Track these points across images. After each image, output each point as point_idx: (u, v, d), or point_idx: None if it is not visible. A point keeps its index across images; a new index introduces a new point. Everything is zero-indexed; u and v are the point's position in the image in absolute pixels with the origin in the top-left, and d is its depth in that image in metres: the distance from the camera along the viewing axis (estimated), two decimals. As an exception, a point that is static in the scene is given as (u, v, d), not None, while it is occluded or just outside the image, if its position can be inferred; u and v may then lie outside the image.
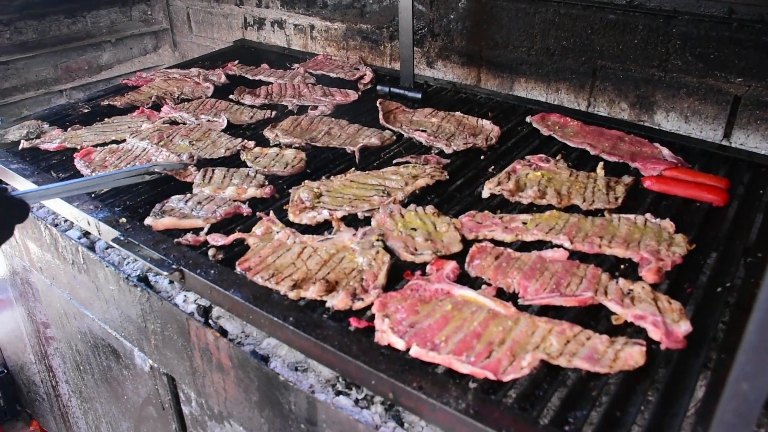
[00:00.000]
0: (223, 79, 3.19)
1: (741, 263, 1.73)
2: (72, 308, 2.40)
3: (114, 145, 2.44)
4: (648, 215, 1.85)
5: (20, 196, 1.74)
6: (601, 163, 2.14)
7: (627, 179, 2.06)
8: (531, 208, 1.96)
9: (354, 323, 1.49)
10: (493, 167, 2.22)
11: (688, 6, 2.30)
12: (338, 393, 1.48)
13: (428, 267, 1.66)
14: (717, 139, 2.41)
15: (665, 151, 2.24)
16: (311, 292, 1.56)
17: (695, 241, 1.75)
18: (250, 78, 3.21)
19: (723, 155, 2.27)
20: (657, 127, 2.52)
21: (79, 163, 2.34)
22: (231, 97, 2.94)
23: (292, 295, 1.57)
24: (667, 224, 1.80)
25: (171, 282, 1.88)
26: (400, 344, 1.40)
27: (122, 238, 1.87)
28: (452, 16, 2.92)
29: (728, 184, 2.04)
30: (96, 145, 2.48)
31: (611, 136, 2.36)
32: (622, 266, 1.69)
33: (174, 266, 1.72)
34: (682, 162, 2.18)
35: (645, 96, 2.50)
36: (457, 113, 2.59)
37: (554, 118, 2.51)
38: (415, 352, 1.37)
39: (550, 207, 1.94)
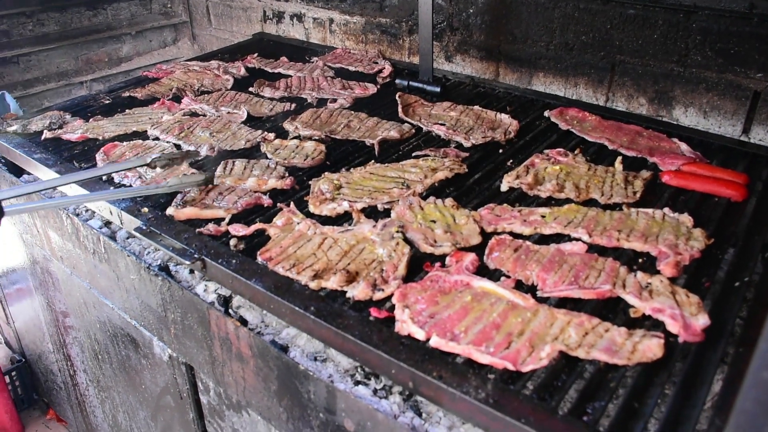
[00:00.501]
0: (243, 71, 3.21)
1: (759, 258, 1.73)
2: (92, 297, 2.43)
3: (138, 141, 2.47)
4: (666, 209, 1.85)
5: None
6: (619, 158, 2.14)
7: (645, 174, 2.07)
8: (549, 202, 1.98)
9: (374, 313, 1.51)
10: (511, 161, 2.23)
11: (708, 1, 2.30)
12: (357, 383, 1.50)
13: (447, 259, 1.68)
14: (736, 134, 2.40)
15: (683, 146, 2.24)
16: (332, 282, 1.58)
17: (713, 235, 1.76)
18: (270, 71, 3.24)
19: (742, 151, 2.27)
20: (675, 123, 2.52)
21: (99, 155, 2.37)
22: (251, 89, 2.96)
23: (313, 285, 1.59)
24: (686, 219, 1.80)
25: (191, 272, 1.90)
26: (420, 334, 1.42)
27: (144, 228, 1.90)
28: (471, 11, 2.93)
29: (747, 179, 2.04)
30: (117, 136, 2.52)
31: (629, 131, 2.37)
32: (640, 260, 1.70)
33: (196, 255, 1.75)
34: (701, 157, 2.18)
35: (664, 91, 2.50)
36: (476, 107, 2.60)
37: (572, 112, 2.52)
38: (435, 342, 1.39)
39: (568, 201, 1.95)
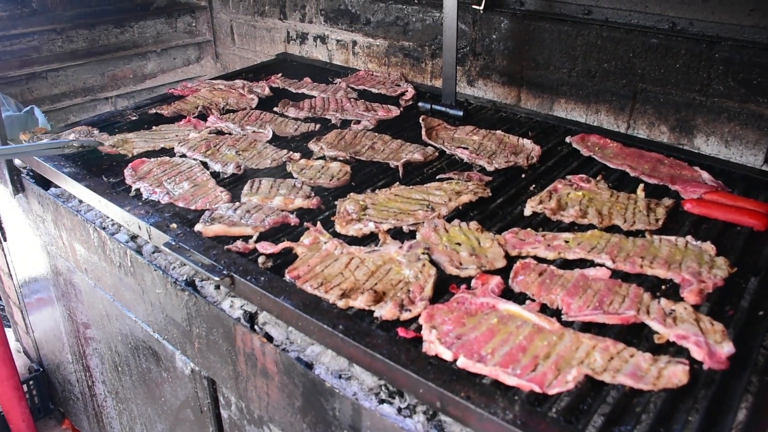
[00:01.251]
0: (267, 91, 3.27)
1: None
2: (115, 310, 2.47)
3: (165, 158, 2.51)
4: (689, 237, 1.87)
5: None
6: (641, 185, 2.17)
7: (667, 201, 2.09)
8: (572, 227, 2.00)
9: (402, 333, 1.53)
10: (534, 186, 2.26)
11: (731, 32, 2.33)
12: (381, 401, 1.52)
13: (473, 281, 1.70)
14: (757, 164, 2.42)
15: (705, 175, 2.26)
16: (360, 302, 1.61)
17: (736, 264, 1.77)
18: (293, 91, 3.29)
19: (764, 180, 2.28)
20: (697, 151, 2.54)
21: (127, 171, 2.42)
22: (275, 109, 3.01)
23: (341, 303, 1.62)
24: (708, 247, 1.82)
25: (217, 287, 1.93)
26: (447, 355, 1.44)
27: (173, 243, 1.93)
28: (494, 36, 2.97)
29: (769, 209, 2.06)
30: (145, 152, 2.57)
31: (651, 159, 2.39)
32: (663, 287, 1.72)
33: (225, 272, 1.78)
34: (722, 186, 2.20)
35: (685, 120, 2.53)
36: (498, 132, 2.63)
37: (594, 139, 2.55)
38: (463, 363, 1.41)
39: (591, 227, 1.98)
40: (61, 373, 3.49)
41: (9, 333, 3.48)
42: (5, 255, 3.44)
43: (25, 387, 3.56)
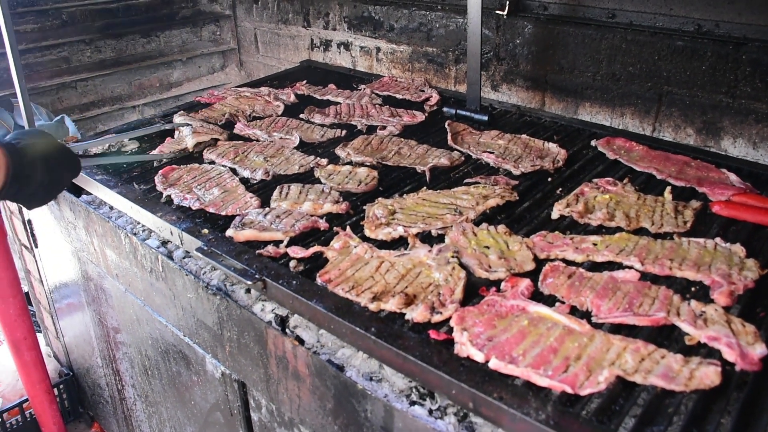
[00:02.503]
0: (293, 98, 3.30)
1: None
2: (145, 314, 2.50)
3: (195, 165, 2.56)
4: (718, 239, 1.87)
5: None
6: (669, 188, 2.17)
7: (695, 204, 2.09)
8: (600, 230, 2.00)
9: (433, 335, 1.55)
10: (560, 189, 2.27)
11: (758, 33, 2.33)
12: (412, 403, 1.54)
13: (503, 284, 1.71)
14: None
15: (733, 177, 2.26)
16: (391, 305, 1.63)
17: (767, 266, 1.77)
18: (318, 98, 3.33)
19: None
20: (724, 153, 2.53)
21: (157, 178, 2.46)
22: (301, 116, 3.04)
23: (372, 306, 1.64)
24: (738, 249, 1.82)
25: (248, 291, 1.96)
26: (479, 356, 1.45)
27: (206, 248, 1.97)
28: (518, 41, 2.99)
29: (783, 207, 2.05)
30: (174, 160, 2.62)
31: (677, 161, 2.39)
32: (693, 289, 1.71)
33: (257, 276, 1.80)
34: (751, 188, 2.19)
35: (712, 122, 2.53)
36: (524, 136, 2.64)
37: (620, 142, 2.55)
38: (494, 364, 1.43)
39: (618, 229, 1.98)
40: (91, 377, 3.54)
41: (39, 338, 3.54)
42: (36, 261, 3.51)
43: (55, 391, 3.63)
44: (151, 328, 2.51)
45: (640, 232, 1.98)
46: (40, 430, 3.61)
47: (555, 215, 2.08)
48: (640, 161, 2.41)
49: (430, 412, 1.51)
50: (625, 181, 2.24)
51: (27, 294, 3.56)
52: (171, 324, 2.33)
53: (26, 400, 3.54)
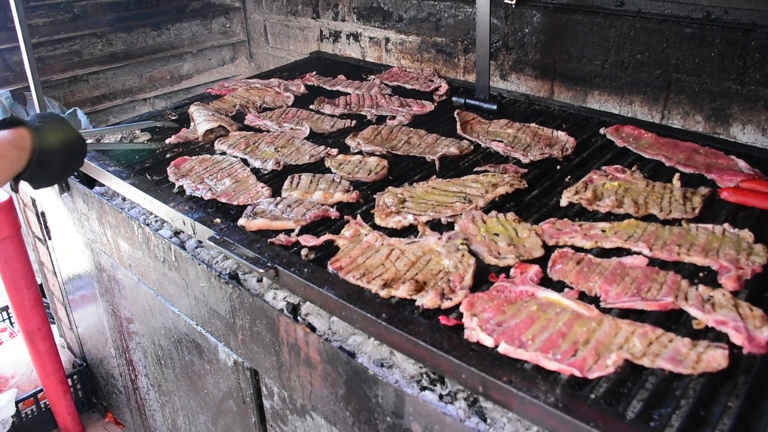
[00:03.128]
0: (302, 89, 3.33)
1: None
2: (158, 304, 2.54)
3: (206, 155, 2.59)
4: (726, 225, 1.88)
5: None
6: (677, 174, 2.18)
7: (703, 190, 2.10)
8: (608, 217, 2.02)
9: (443, 321, 1.57)
10: (569, 177, 2.28)
11: (767, 19, 2.33)
12: (423, 388, 1.56)
13: (512, 270, 1.73)
14: (775, 145, 2.42)
15: (741, 163, 2.26)
16: (401, 291, 1.65)
17: (778, 246, 1.78)
18: (328, 88, 3.35)
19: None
20: (733, 140, 2.53)
21: (170, 169, 2.49)
22: (311, 106, 3.07)
23: (383, 293, 1.66)
24: (746, 234, 1.83)
25: (260, 280, 1.99)
26: (488, 341, 1.48)
27: (218, 237, 2.00)
28: (527, 30, 3.00)
29: (786, 191, 2.05)
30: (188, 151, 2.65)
31: (686, 148, 2.39)
32: (701, 274, 1.73)
33: (269, 264, 1.83)
34: (760, 174, 2.20)
35: (721, 109, 2.53)
36: (533, 124, 2.65)
37: (628, 130, 2.56)
38: (504, 348, 1.45)
39: (627, 216, 1.99)
40: (104, 368, 3.59)
41: (53, 329, 3.60)
42: (50, 253, 3.56)
43: (69, 381, 3.68)
44: (164, 318, 2.55)
45: (649, 218, 1.99)
46: (55, 419, 3.67)
47: (564, 203, 2.10)
48: (648, 149, 2.41)
49: (441, 397, 1.53)
50: (633, 169, 2.25)
51: (41, 286, 3.60)
52: (184, 313, 2.37)
53: (41, 390, 3.60)
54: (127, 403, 3.48)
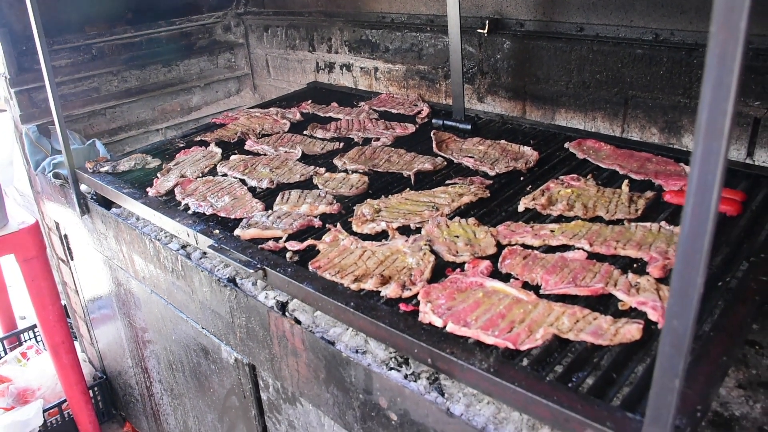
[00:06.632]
0: (298, 116, 3.61)
1: (744, 263, 1.96)
2: (169, 312, 2.80)
3: (209, 177, 2.87)
4: (663, 223, 2.10)
5: None
6: (626, 180, 2.41)
7: (649, 194, 2.32)
8: (560, 220, 2.24)
9: (403, 307, 1.82)
10: (530, 187, 2.52)
11: (707, 40, 2.56)
12: (390, 369, 1.81)
13: (466, 265, 1.98)
14: (741, 157, 2.63)
15: (688, 169, 2.48)
16: (369, 284, 1.90)
17: (703, 244, 1.99)
18: (322, 115, 3.63)
19: (745, 172, 2.48)
20: (686, 149, 2.76)
21: (177, 190, 2.78)
22: (305, 132, 3.35)
23: (353, 286, 1.91)
24: (679, 230, 2.05)
25: (254, 284, 2.25)
26: (438, 322, 1.72)
27: (216, 245, 2.27)
28: (499, 56, 3.27)
29: (744, 197, 2.26)
30: (194, 173, 2.93)
31: (640, 158, 2.62)
32: (635, 265, 1.93)
33: (258, 266, 2.10)
34: (703, 179, 2.41)
35: (673, 121, 2.77)
36: (502, 141, 2.90)
37: (590, 143, 2.79)
38: (450, 327, 1.69)
39: (576, 218, 2.21)
40: (123, 378, 3.83)
41: (75, 345, 3.87)
42: (72, 273, 3.84)
43: (90, 393, 3.94)
44: (174, 325, 2.81)
45: (596, 220, 2.21)
46: (78, 429, 3.93)
47: (521, 208, 2.33)
48: (606, 159, 2.64)
49: (406, 376, 1.78)
50: (588, 177, 2.48)
51: (64, 306, 3.88)
52: (191, 318, 2.63)
53: (65, 400, 3.87)
54: (143, 411, 3.72)
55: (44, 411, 3.77)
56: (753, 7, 0.84)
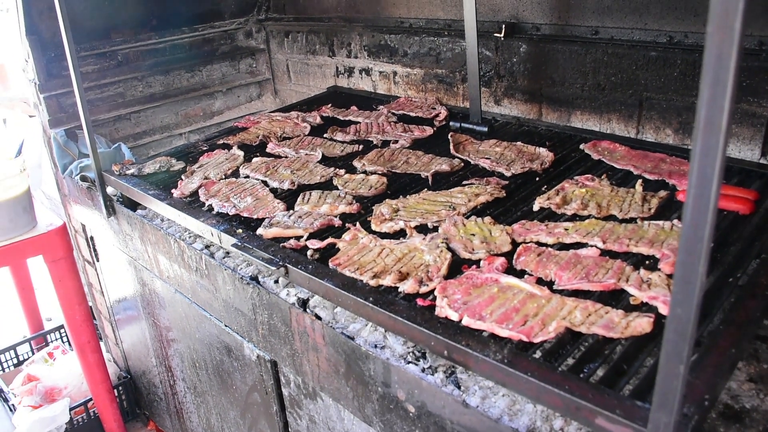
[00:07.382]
0: (318, 120, 3.69)
1: (756, 260, 1.99)
2: (192, 311, 2.87)
3: (232, 179, 2.95)
4: (675, 221, 2.14)
5: None
6: (640, 180, 2.45)
7: (662, 193, 2.35)
8: (574, 218, 2.28)
9: (420, 302, 1.88)
10: (545, 187, 2.56)
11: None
12: (408, 362, 1.87)
13: (482, 262, 2.04)
14: (755, 158, 2.66)
15: (701, 169, 2.52)
16: (387, 280, 1.97)
17: (717, 242, 2.01)
18: (341, 118, 3.70)
19: (759, 172, 2.50)
20: (700, 150, 2.79)
21: (201, 191, 2.86)
22: (325, 135, 3.42)
23: (372, 282, 1.98)
24: (690, 228, 2.09)
25: (276, 281, 2.32)
26: (454, 316, 1.78)
27: (239, 244, 2.34)
28: (515, 60, 3.32)
29: (757, 196, 2.28)
30: (217, 176, 3.02)
31: (654, 158, 2.66)
32: (647, 262, 1.97)
33: (280, 263, 2.17)
34: (716, 178, 2.45)
35: (687, 122, 2.80)
36: (519, 143, 2.95)
37: (605, 144, 2.83)
38: (466, 321, 1.75)
39: (590, 217, 2.25)
40: (147, 378, 3.92)
41: (101, 345, 3.97)
42: (98, 274, 3.95)
43: (115, 392, 4.04)
44: (198, 323, 2.88)
45: (610, 219, 2.25)
46: (103, 427, 4.03)
47: (536, 207, 2.38)
48: (620, 160, 2.69)
49: (423, 370, 1.84)
50: (602, 177, 2.53)
51: (90, 307, 3.98)
52: (214, 316, 2.70)
53: (90, 399, 3.97)
54: (166, 409, 3.80)
55: (70, 409, 3.87)
56: (753, 7, 0.89)
